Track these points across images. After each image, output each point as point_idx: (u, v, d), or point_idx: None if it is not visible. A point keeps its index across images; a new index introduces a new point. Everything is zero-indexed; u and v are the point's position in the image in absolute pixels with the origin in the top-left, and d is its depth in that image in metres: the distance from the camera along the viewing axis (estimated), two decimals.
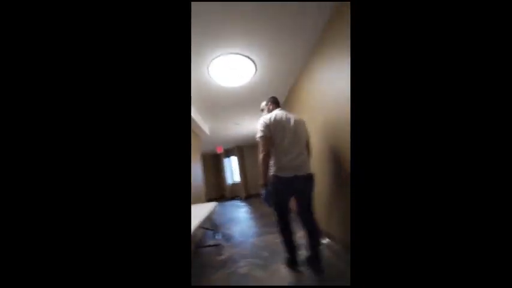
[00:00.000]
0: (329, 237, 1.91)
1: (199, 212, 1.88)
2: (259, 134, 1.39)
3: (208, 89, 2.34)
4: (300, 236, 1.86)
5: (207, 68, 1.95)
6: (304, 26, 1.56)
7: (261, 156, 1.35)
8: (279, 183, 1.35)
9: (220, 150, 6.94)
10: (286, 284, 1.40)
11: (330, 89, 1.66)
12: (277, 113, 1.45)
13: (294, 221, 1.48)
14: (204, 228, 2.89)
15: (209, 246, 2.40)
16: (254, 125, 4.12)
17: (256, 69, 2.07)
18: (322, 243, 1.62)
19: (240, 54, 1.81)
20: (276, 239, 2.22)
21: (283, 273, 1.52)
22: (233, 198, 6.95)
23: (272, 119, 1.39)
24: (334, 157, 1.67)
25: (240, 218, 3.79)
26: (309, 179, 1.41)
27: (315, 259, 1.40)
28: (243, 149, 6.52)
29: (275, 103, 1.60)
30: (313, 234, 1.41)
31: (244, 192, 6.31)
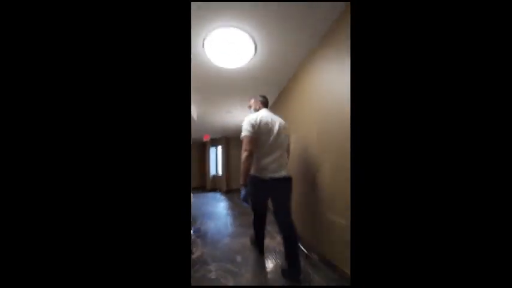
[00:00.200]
0: (308, 248, 1.86)
1: None
2: (244, 133, 1.40)
3: (201, 67, 2.09)
4: (280, 242, 1.83)
5: (203, 41, 1.71)
6: (313, 19, 1.48)
7: (244, 155, 1.36)
8: (258, 184, 1.39)
9: (206, 138, 6.69)
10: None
11: (329, 90, 1.61)
12: (264, 114, 1.49)
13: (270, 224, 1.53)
14: None
15: None
16: (245, 117, 3.93)
17: (255, 50, 1.85)
18: (300, 251, 1.58)
19: (241, 29, 1.59)
20: (248, 240, 2.06)
21: (255, 283, 1.39)
22: (213, 190, 6.77)
23: (258, 120, 1.42)
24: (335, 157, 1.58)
25: (218, 213, 3.60)
26: (286, 181, 1.44)
27: (292, 268, 1.37)
28: (230, 141, 6.31)
29: (263, 103, 1.64)
30: (290, 240, 1.40)
31: (225, 186, 6.13)
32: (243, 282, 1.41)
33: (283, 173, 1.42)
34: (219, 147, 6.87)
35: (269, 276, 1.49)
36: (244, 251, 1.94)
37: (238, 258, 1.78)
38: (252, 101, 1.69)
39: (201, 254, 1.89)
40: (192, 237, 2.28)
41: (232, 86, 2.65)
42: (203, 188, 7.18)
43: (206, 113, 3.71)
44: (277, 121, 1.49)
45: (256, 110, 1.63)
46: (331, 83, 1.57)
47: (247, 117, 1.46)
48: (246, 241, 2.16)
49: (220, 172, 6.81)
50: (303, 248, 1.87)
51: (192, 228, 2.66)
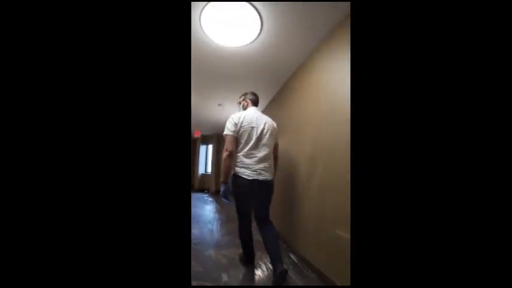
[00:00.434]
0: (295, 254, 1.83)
1: None
2: (225, 132, 1.43)
3: (195, 44, 1.76)
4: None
5: (200, 13, 1.40)
6: (329, 7, 1.32)
7: (224, 154, 1.40)
8: (239, 184, 1.40)
9: (197, 134, 6.35)
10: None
11: (336, 88, 1.45)
12: (250, 113, 1.48)
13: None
14: None
15: None
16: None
17: (261, 29, 1.56)
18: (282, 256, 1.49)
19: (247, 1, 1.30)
20: (238, 254, 1.78)
21: None
22: (202, 190, 6.43)
23: (242, 118, 1.42)
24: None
25: (203, 217, 3.28)
26: (268, 185, 1.45)
27: (275, 263, 1.33)
28: (222, 138, 5.98)
29: (252, 101, 1.60)
30: (271, 239, 1.40)
31: (214, 186, 5.81)
32: None
33: (266, 176, 1.43)
34: (210, 146, 6.56)
35: None
36: (231, 267, 1.65)
37: (224, 277, 1.49)
38: (241, 97, 1.66)
39: None
40: None
41: (226, 73, 2.35)
42: (192, 187, 6.82)
43: (195, 104, 3.39)
44: (263, 121, 1.48)
45: (244, 107, 1.61)
46: (342, 79, 1.33)
47: (231, 115, 1.46)
48: (234, 253, 1.87)
49: (209, 170, 6.51)
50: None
51: None
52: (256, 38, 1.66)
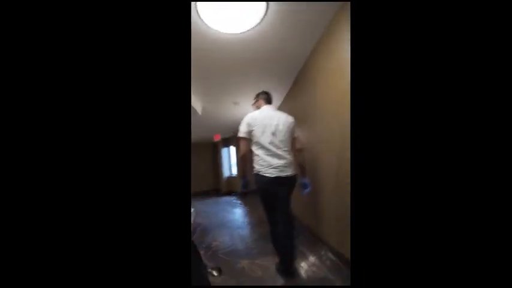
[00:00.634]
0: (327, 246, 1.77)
1: None
2: (239, 134, 1.48)
3: (197, 39, 1.62)
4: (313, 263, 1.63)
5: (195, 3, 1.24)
6: None
7: (239, 156, 1.45)
8: (264, 182, 1.41)
9: (217, 138, 6.31)
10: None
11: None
12: (263, 111, 1.51)
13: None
14: None
15: None
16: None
17: (266, 10, 1.35)
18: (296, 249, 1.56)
19: None
20: (274, 262, 1.60)
21: None
22: (229, 193, 6.39)
23: (255, 118, 1.46)
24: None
25: (232, 223, 3.16)
26: (291, 180, 1.47)
27: (285, 264, 1.43)
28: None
29: (265, 99, 1.61)
30: (288, 238, 1.44)
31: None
32: None
33: (288, 172, 1.43)
34: (232, 148, 6.48)
35: None
36: (268, 279, 1.47)
37: None
38: (254, 99, 1.70)
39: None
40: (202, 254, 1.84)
41: (237, 69, 2.19)
42: (217, 191, 6.82)
43: (211, 105, 3.28)
44: (277, 118, 1.48)
45: (258, 107, 1.61)
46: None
47: (245, 117, 1.49)
48: (268, 264, 1.69)
49: (234, 172, 6.45)
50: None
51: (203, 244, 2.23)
52: (260, 22, 1.46)
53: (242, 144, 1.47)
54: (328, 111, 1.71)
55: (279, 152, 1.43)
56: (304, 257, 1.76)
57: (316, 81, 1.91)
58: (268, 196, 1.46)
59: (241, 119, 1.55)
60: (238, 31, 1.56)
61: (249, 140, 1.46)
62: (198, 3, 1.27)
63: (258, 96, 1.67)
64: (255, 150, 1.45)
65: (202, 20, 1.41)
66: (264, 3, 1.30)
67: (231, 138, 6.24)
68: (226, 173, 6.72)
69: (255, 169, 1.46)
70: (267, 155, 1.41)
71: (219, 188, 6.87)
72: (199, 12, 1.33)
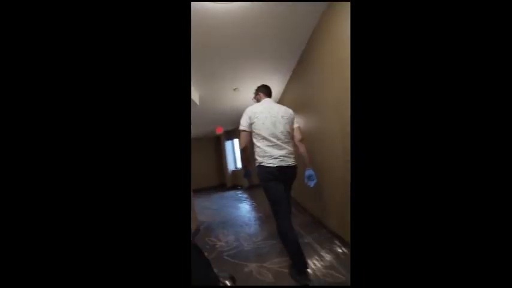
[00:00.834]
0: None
1: None
2: (240, 127, 1.52)
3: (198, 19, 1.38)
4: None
5: None
6: None
7: (240, 149, 1.61)
8: (266, 172, 1.44)
9: (220, 131, 6.11)
10: None
11: None
12: (263, 104, 1.55)
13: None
14: None
15: None
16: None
17: None
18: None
19: None
20: (287, 265, 1.42)
21: None
22: (235, 186, 6.23)
23: (255, 110, 1.49)
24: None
25: (239, 219, 2.98)
26: (292, 170, 1.50)
27: (297, 264, 1.35)
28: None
29: (265, 93, 1.65)
30: (292, 234, 1.40)
31: (247, 181, 5.54)
32: None
33: (289, 161, 1.47)
34: (235, 141, 6.28)
35: None
36: (280, 283, 1.28)
37: None
38: (254, 93, 1.72)
39: None
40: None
41: (235, 51, 1.96)
42: (223, 186, 6.68)
43: (209, 93, 3.04)
44: (277, 110, 1.52)
45: (258, 100, 1.65)
46: None
47: (246, 109, 1.52)
48: (279, 266, 1.50)
49: (240, 165, 6.26)
50: None
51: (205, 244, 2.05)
52: None
53: (243, 137, 1.50)
54: (330, 97, 1.67)
55: (280, 142, 1.46)
56: (319, 255, 1.56)
57: (319, 62, 1.81)
58: (272, 186, 1.45)
59: (242, 106, 1.69)
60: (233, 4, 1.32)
61: (249, 132, 1.50)
62: None
63: (257, 89, 1.69)
64: (256, 142, 1.49)
65: None
66: None
67: (234, 131, 6.03)
68: (231, 167, 6.55)
69: (257, 161, 1.49)
70: (268, 146, 1.45)
71: (225, 182, 6.72)
72: None
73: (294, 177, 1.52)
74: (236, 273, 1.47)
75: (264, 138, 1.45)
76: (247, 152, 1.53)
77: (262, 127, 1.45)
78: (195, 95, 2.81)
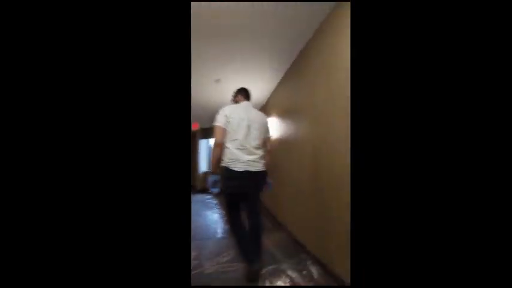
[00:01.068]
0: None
1: None
2: (215, 122, 1.47)
3: None
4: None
5: None
6: None
7: (214, 144, 1.49)
8: (229, 176, 1.43)
9: (195, 127, 5.68)
10: None
11: None
12: (241, 106, 1.57)
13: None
14: None
15: None
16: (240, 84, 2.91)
17: None
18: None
19: None
20: None
21: None
22: (204, 190, 5.79)
23: (232, 110, 1.48)
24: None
25: (203, 229, 2.60)
26: (260, 176, 1.50)
27: (252, 255, 1.43)
28: None
29: (243, 95, 1.66)
30: (255, 230, 1.49)
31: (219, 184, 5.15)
32: None
33: (257, 167, 1.47)
34: (211, 140, 5.88)
35: None
36: None
37: None
38: (233, 94, 1.73)
39: None
40: None
41: (222, 33, 1.65)
42: (192, 188, 6.19)
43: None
44: (253, 115, 1.53)
45: (237, 102, 1.65)
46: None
47: (222, 107, 1.51)
48: None
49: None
50: None
51: None
52: None
53: (218, 133, 1.45)
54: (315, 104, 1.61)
55: (250, 148, 1.46)
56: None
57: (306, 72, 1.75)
58: (233, 190, 1.47)
59: (223, 100, 1.64)
60: None
61: (224, 129, 1.45)
62: None
63: (237, 92, 1.70)
64: (227, 143, 1.45)
65: None
66: None
67: (211, 129, 5.64)
68: (203, 168, 6.12)
69: (223, 162, 1.46)
70: (238, 149, 1.43)
71: (194, 184, 6.25)
72: None
73: (262, 182, 1.54)
74: None
75: (235, 140, 1.43)
76: (221, 149, 1.45)
77: (237, 129, 1.44)
78: None
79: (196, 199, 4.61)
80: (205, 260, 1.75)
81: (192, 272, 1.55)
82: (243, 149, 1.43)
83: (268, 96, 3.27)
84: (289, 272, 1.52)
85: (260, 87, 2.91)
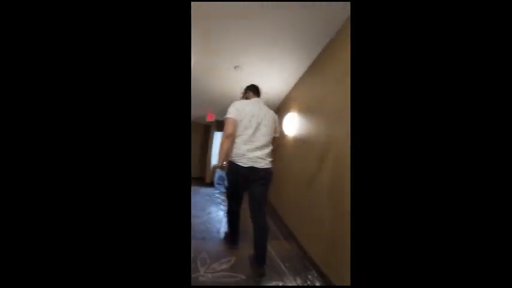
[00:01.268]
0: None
1: None
2: (227, 115, 1.49)
3: None
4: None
5: None
6: None
7: (224, 136, 1.47)
8: (235, 171, 1.45)
9: (210, 118, 5.54)
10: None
11: None
12: (252, 102, 1.59)
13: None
14: None
15: None
16: (262, 72, 2.69)
17: None
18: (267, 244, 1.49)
19: None
20: None
21: None
22: (213, 184, 5.66)
23: (244, 105, 1.52)
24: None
25: (205, 228, 2.43)
26: (266, 173, 1.50)
27: (258, 258, 1.42)
28: None
29: (253, 92, 1.69)
30: (261, 230, 1.46)
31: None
32: None
33: (263, 164, 1.47)
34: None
35: None
36: None
37: None
38: (243, 91, 1.74)
39: None
40: None
41: (238, 17, 1.44)
42: (202, 180, 6.10)
43: (204, 67, 2.49)
44: (264, 112, 1.54)
45: (247, 98, 1.67)
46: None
47: (234, 102, 1.52)
48: None
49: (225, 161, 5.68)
50: None
51: None
52: None
53: (230, 124, 1.45)
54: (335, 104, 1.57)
55: (259, 144, 1.46)
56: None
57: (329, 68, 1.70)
58: (236, 185, 1.48)
59: (243, 89, 1.66)
60: None
61: (236, 122, 1.45)
62: None
63: (247, 88, 1.71)
64: (235, 138, 1.45)
65: None
66: None
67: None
68: (214, 161, 6.01)
69: (230, 156, 1.47)
70: (246, 144, 1.44)
71: (204, 177, 6.15)
72: None
73: (268, 180, 1.52)
74: None
75: (244, 135, 1.45)
76: (231, 142, 1.44)
77: (247, 124, 1.45)
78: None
79: (204, 192, 4.48)
80: (201, 263, 1.57)
81: None
82: (251, 144, 1.44)
83: (289, 90, 3.03)
84: None
85: (282, 79, 2.69)
